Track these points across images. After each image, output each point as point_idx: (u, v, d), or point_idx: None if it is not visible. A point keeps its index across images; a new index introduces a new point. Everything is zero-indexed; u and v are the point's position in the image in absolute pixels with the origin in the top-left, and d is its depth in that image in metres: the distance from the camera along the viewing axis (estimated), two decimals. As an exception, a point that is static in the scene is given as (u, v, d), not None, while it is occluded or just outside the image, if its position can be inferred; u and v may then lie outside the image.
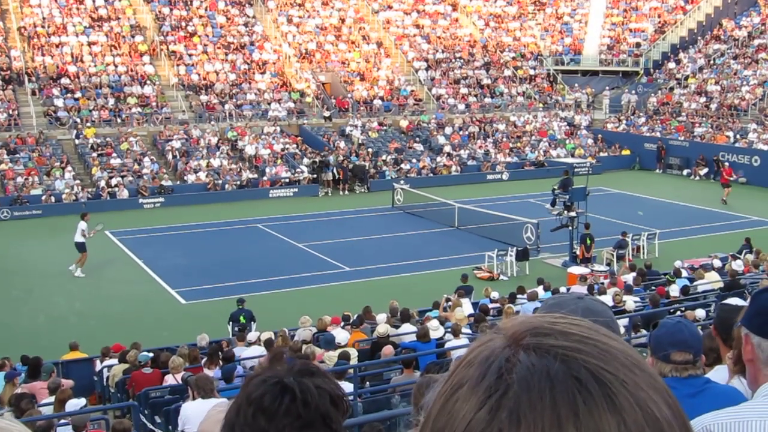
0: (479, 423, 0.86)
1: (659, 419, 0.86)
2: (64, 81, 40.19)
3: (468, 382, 0.90)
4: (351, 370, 11.58)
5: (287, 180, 36.59)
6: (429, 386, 1.03)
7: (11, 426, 1.39)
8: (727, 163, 35.62)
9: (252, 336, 15.38)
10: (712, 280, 17.74)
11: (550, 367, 0.87)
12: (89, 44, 42.76)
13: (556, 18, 55.12)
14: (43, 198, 32.52)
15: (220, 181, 35.68)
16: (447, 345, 13.26)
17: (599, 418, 0.84)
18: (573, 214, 23.77)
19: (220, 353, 13.15)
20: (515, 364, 0.89)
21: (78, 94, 39.76)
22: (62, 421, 10.26)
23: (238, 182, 35.88)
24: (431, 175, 38.80)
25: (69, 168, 34.89)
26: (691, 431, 0.91)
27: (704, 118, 42.90)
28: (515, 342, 0.92)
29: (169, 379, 12.44)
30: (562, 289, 17.58)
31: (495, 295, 17.98)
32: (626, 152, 43.31)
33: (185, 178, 35.86)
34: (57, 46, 42.17)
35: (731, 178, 33.92)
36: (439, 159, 40.15)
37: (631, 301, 15.37)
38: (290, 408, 1.63)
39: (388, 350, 12.74)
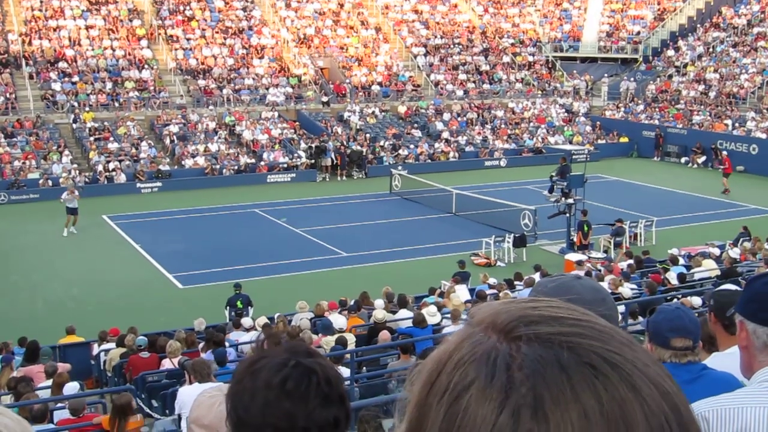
0: (504, 428, 0.80)
1: (670, 393, 0.85)
2: (62, 65, 40.04)
3: (475, 384, 0.84)
4: (348, 355, 11.62)
5: (285, 165, 36.53)
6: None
7: (5, 417, 1.39)
8: (725, 152, 35.24)
9: (248, 321, 15.40)
10: (709, 268, 17.75)
11: (559, 356, 0.83)
12: (87, 28, 42.59)
13: (555, 4, 54.94)
14: (41, 182, 32.45)
15: (218, 166, 35.61)
16: (444, 330, 13.31)
17: (623, 403, 0.81)
18: (570, 201, 23.75)
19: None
20: (521, 357, 0.84)
21: (75, 78, 39.61)
22: (59, 404, 10.29)
23: (236, 167, 35.82)
24: (429, 161, 38.74)
25: (66, 152, 34.79)
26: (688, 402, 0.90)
27: (703, 106, 42.83)
28: (506, 334, 0.87)
29: (166, 364, 12.47)
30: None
31: (492, 281, 17.99)
32: (624, 140, 43.27)
33: (183, 162, 35.80)
34: (54, 30, 41.99)
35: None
36: (437, 145, 40.08)
37: (627, 289, 15.39)
38: (318, 389, 1.64)
39: (385, 336, 12.79)
